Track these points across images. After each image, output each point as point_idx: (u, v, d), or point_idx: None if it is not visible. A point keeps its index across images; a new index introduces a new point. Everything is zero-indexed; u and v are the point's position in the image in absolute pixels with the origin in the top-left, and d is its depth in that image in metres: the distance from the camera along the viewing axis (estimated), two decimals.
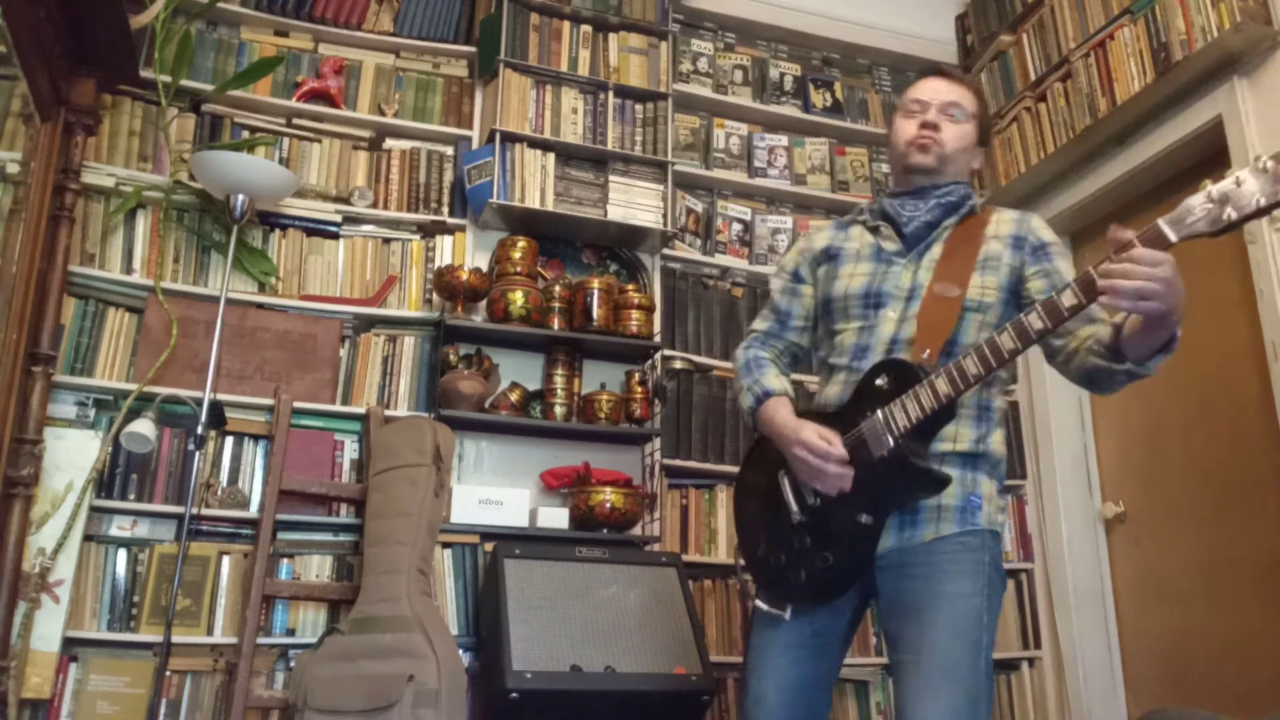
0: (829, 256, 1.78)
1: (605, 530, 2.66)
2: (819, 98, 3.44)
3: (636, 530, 2.75)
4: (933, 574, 1.56)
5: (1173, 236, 1.29)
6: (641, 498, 2.74)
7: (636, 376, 2.88)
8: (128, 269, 2.59)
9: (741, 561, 1.78)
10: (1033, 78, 3.15)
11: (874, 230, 1.76)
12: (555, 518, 2.65)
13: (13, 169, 2.09)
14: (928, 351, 1.57)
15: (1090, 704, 2.90)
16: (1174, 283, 1.30)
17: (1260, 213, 1.23)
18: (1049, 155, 3.04)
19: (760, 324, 1.86)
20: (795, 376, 1.90)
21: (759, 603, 1.68)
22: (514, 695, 2.15)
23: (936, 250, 1.68)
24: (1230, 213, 1.24)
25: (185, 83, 2.69)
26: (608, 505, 2.63)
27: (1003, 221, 1.71)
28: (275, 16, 2.93)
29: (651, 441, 2.87)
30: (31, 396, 2.13)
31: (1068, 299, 1.39)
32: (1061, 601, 3.02)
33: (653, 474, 2.84)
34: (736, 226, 3.25)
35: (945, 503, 1.59)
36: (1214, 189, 1.25)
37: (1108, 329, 1.47)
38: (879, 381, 1.57)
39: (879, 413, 1.54)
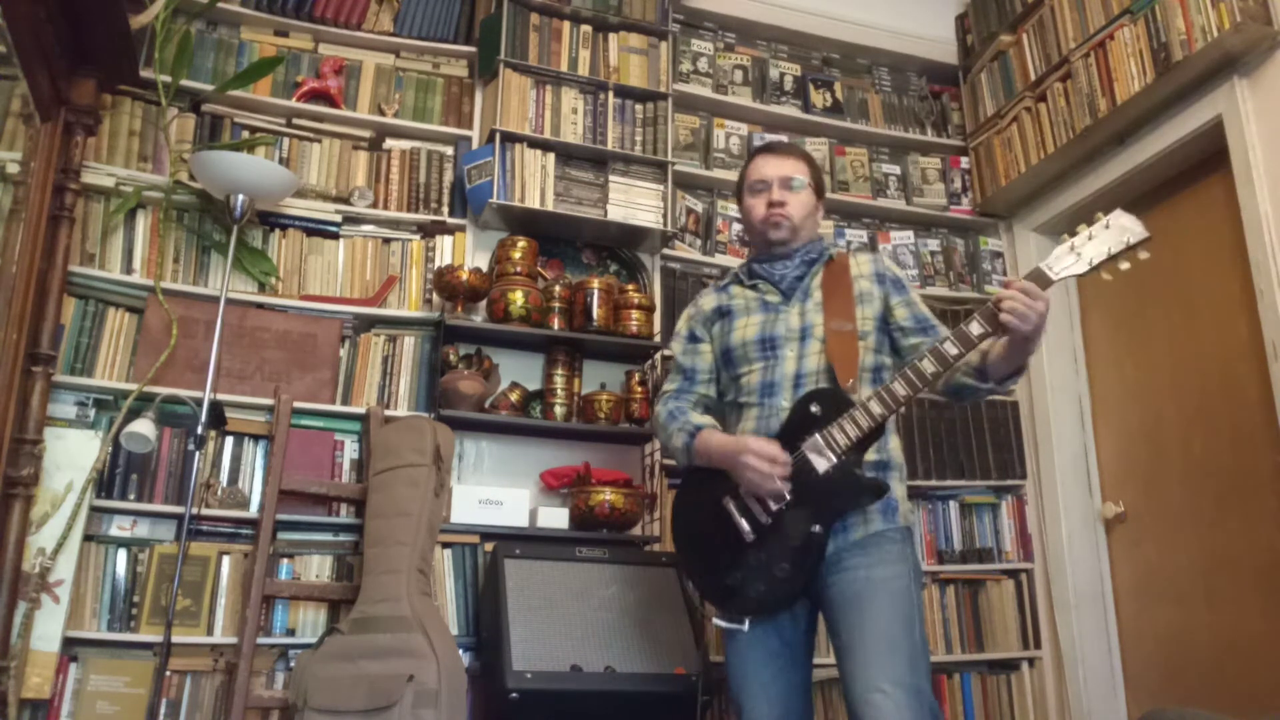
0: (721, 314, 2.02)
1: (605, 530, 2.66)
2: (819, 98, 3.44)
3: (636, 530, 2.75)
4: (867, 563, 1.77)
5: (1053, 277, 1.66)
6: (641, 498, 2.74)
7: (636, 376, 2.88)
8: (128, 269, 2.59)
9: (691, 581, 1.94)
10: (1033, 78, 3.15)
11: (753, 287, 2.00)
12: (555, 518, 2.65)
13: (13, 169, 2.09)
14: (851, 381, 1.80)
15: (1090, 704, 2.90)
16: (1045, 316, 1.65)
17: (1112, 259, 1.64)
18: (1049, 155, 3.04)
19: (670, 384, 2.07)
20: None
21: (718, 621, 1.84)
22: (514, 695, 2.15)
23: (817, 294, 1.94)
24: (1092, 258, 1.64)
25: (185, 83, 2.69)
26: (608, 505, 2.63)
27: (861, 263, 2.00)
28: (275, 16, 2.93)
29: (651, 441, 2.87)
30: (31, 396, 2.13)
31: (975, 329, 1.68)
32: (1061, 601, 3.02)
33: (653, 474, 2.84)
34: (736, 227, 3.25)
35: (866, 506, 1.81)
36: (1074, 241, 1.66)
37: (977, 355, 1.75)
38: (813, 409, 1.79)
39: (818, 435, 1.75)
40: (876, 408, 1.72)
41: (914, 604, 1.75)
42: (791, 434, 1.79)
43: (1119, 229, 1.64)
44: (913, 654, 1.67)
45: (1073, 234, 1.68)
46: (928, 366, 1.70)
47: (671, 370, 2.09)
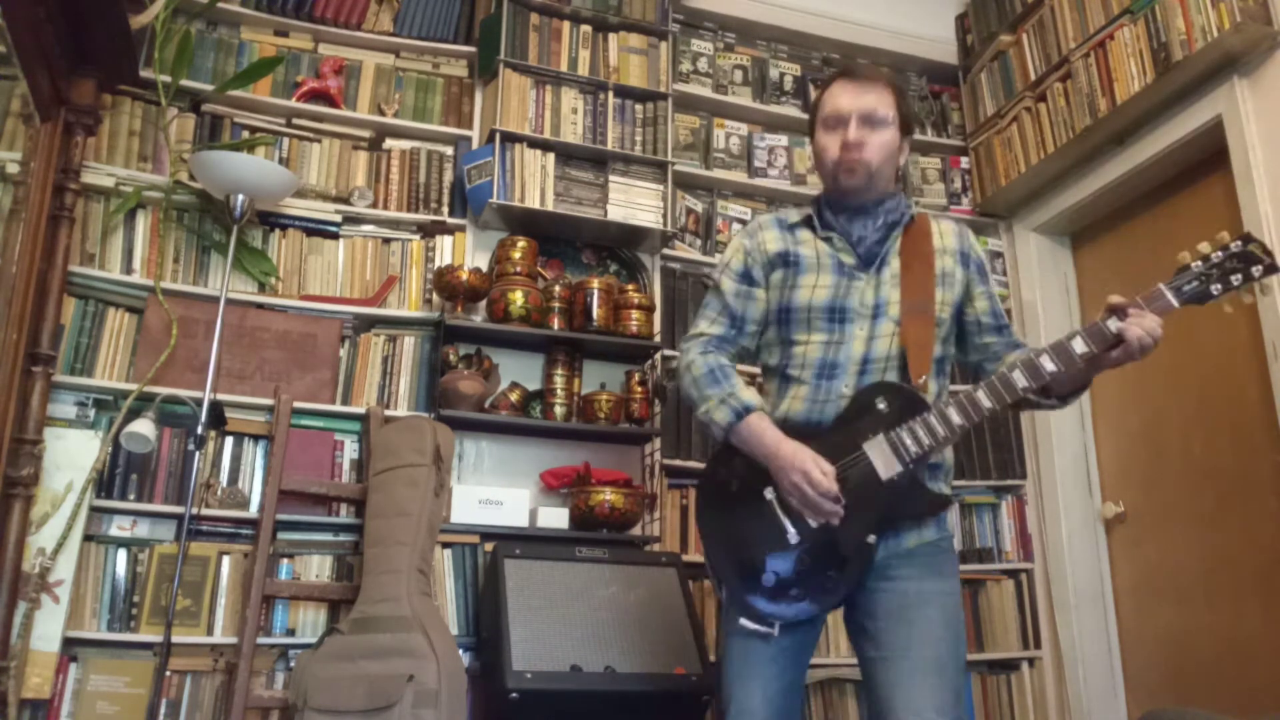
0: (786, 262, 1.74)
1: (605, 530, 2.66)
2: None
3: (636, 530, 2.75)
4: (919, 574, 1.61)
5: (1176, 303, 1.52)
6: (641, 498, 2.74)
7: (636, 376, 2.88)
8: (128, 269, 2.59)
9: (713, 572, 1.72)
10: (1033, 78, 3.15)
11: (827, 240, 1.74)
12: (555, 518, 2.65)
13: (13, 169, 2.09)
14: (924, 378, 1.61)
15: (1090, 704, 2.90)
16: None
17: (1237, 290, 1.52)
18: (1049, 155, 3.04)
19: (713, 327, 1.77)
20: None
21: (745, 622, 1.65)
22: (514, 695, 2.15)
23: (895, 264, 1.71)
24: (1216, 288, 1.52)
25: (185, 83, 2.69)
26: (608, 505, 2.63)
27: (945, 233, 1.76)
28: (275, 16, 2.93)
29: (651, 441, 2.87)
30: (31, 396, 2.13)
31: (1079, 347, 1.53)
32: (1061, 601, 3.02)
33: (653, 474, 2.84)
34: (736, 227, 3.25)
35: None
36: (1195, 265, 1.53)
37: None
38: (880, 405, 1.61)
39: (883, 437, 1.58)
40: (957, 418, 1.55)
41: (962, 621, 1.63)
42: (849, 426, 1.61)
43: (1245, 256, 1.51)
44: (957, 680, 1.56)
45: (1195, 254, 1.54)
46: (1020, 380, 1.54)
47: (713, 306, 1.79)
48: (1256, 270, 1.51)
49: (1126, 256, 3.05)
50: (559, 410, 2.79)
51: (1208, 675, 2.64)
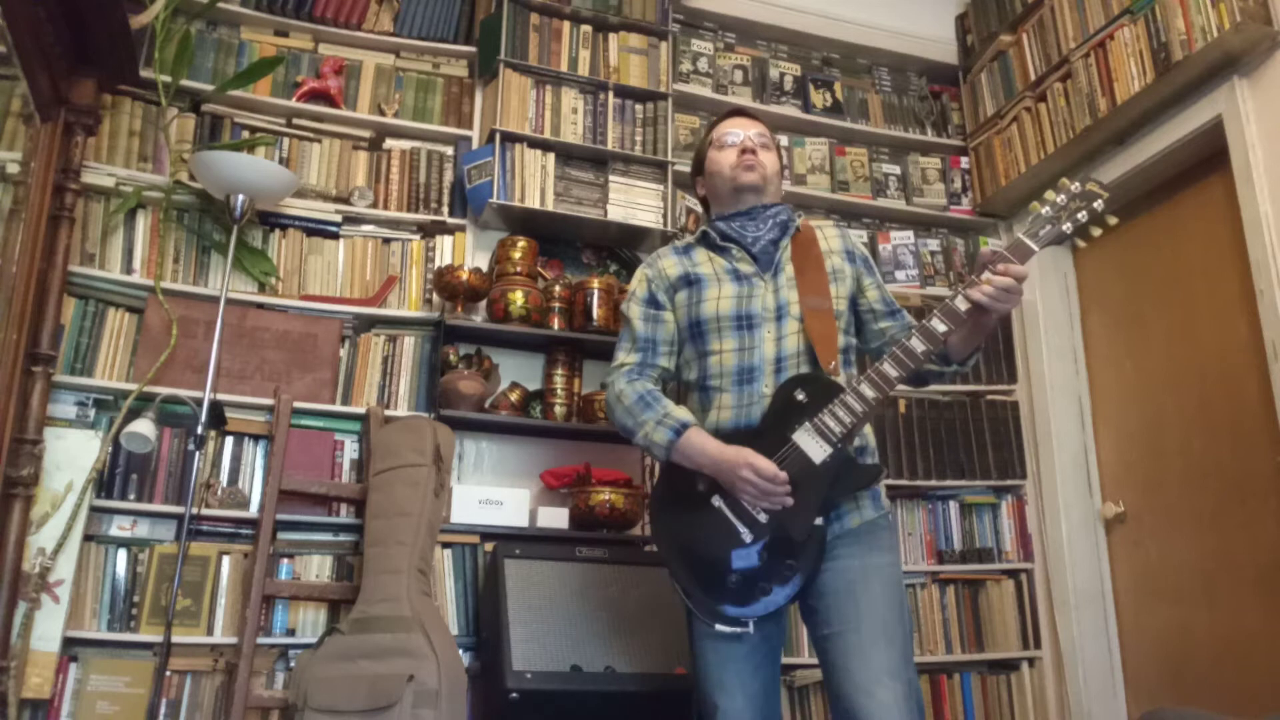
0: (688, 281, 1.88)
1: (605, 530, 2.66)
2: (819, 98, 3.44)
3: (636, 530, 2.74)
4: (861, 552, 1.73)
5: (1035, 248, 1.67)
6: (641, 498, 2.74)
7: None
8: (128, 269, 2.59)
9: (679, 588, 1.78)
10: (1033, 78, 3.15)
11: (722, 251, 1.89)
12: (555, 518, 2.65)
13: (13, 169, 2.09)
14: (833, 363, 1.75)
15: (1090, 704, 2.90)
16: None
17: (1086, 226, 1.67)
18: (1049, 155, 3.04)
19: (630, 356, 1.90)
20: None
21: (720, 627, 1.72)
22: (514, 695, 2.15)
23: (789, 269, 1.85)
24: (1066, 226, 1.67)
25: (185, 83, 2.69)
26: (608, 505, 2.63)
27: (829, 236, 1.93)
28: (275, 16, 2.93)
29: None
30: (31, 396, 2.13)
31: (962, 304, 1.66)
32: (1061, 601, 3.02)
33: (653, 474, 2.83)
34: None
35: (859, 492, 1.77)
36: (1044, 210, 1.69)
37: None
38: (799, 396, 1.72)
39: (809, 424, 1.70)
40: (870, 391, 1.67)
41: (904, 592, 1.76)
42: (775, 423, 1.72)
43: (1086, 195, 1.68)
44: (905, 646, 1.67)
45: (1043, 202, 1.71)
46: (918, 345, 1.67)
47: (625, 337, 1.93)
48: (1098, 204, 1.66)
49: (1126, 257, 3.05)
50: (559, 410, 2.79)
51: (1208, 675, 2.64)
